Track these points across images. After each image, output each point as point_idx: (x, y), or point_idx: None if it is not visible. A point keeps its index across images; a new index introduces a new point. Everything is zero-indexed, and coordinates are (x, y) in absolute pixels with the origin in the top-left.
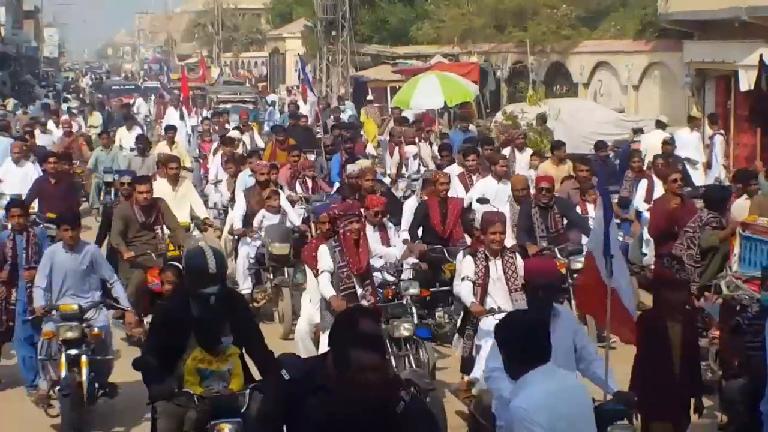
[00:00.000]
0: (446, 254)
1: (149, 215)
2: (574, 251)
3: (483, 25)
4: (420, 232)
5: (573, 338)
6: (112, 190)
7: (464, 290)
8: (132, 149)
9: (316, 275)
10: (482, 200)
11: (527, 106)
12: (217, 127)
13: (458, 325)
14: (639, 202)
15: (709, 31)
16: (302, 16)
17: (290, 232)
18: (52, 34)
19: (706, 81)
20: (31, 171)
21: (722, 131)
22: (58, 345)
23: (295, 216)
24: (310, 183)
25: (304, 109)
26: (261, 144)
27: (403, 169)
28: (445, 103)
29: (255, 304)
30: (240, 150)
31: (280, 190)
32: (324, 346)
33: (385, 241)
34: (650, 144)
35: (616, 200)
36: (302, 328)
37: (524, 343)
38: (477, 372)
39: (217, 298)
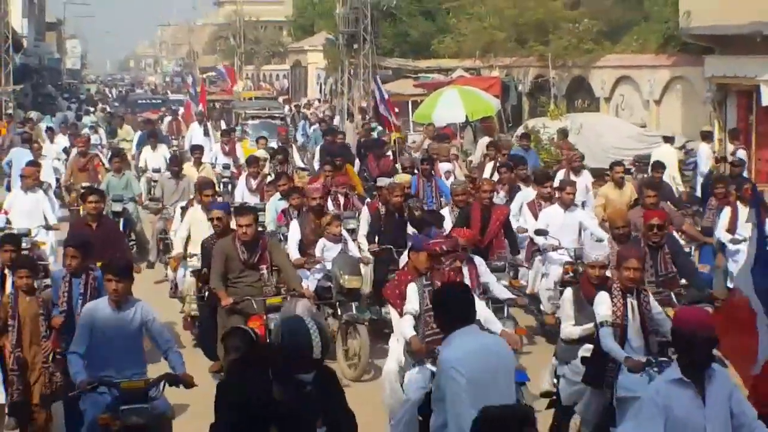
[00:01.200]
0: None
1: (253, 253)
2: (697, 299)
3: (504, 39)
4: None
5: (729, 402)
6: (121, 220)
7: (610, 341)
8: (156, 170)
9: (400, 314)
10: (541, 232)
11: (549, 121)
12: (227, 147)
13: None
14: (721, 232)
15: (730, 45)
16: (324, 29)
17: (358, 263)
18: (74, 45)
19: (727, 96)
20: (42, 200)
21: (743, 146)
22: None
23: (353, 244)
24: (342, 199)
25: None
26: (299, 163)
27: None
28: (466, 117)
29: None
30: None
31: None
32: (409, 388)
33: (475, 279)
34: (659, 159)
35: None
36: (391, 369)
37: (451, 309)
38: None
39: (313, 383)
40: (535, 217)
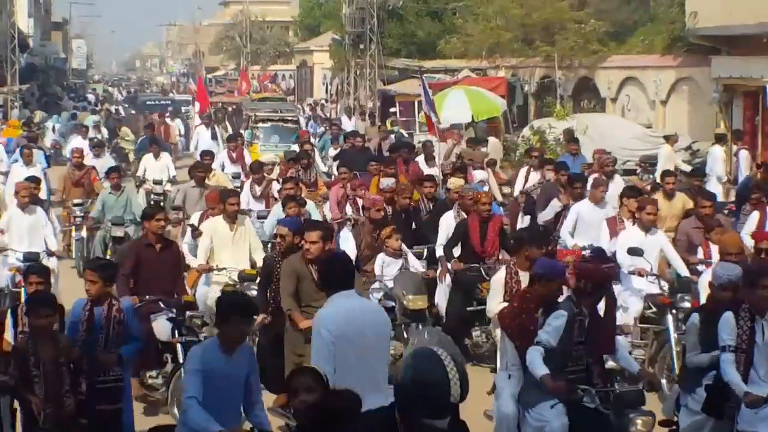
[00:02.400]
0: (483, 273)
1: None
2: None
3: (511, 40)
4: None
5: None
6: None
7: (731, 370)
8: (157, 182)
9: (518, 348)
10: (634, 251)
11: (555, 121)
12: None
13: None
14: (745, 237)
15: (737, 46)
16: (330, 29)
17: (422, 280)
18: (80, 45)
19: (734, 96)
20: (42, 219)
21: (746, 147)
22: None
23: (415, 259)
24: (360, 203)
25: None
26: (323, 168)
27: None
28: (472, 117)
29: None
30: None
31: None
32: None
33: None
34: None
35: None
36: (509, 413)
37: (336, 273)
38: None
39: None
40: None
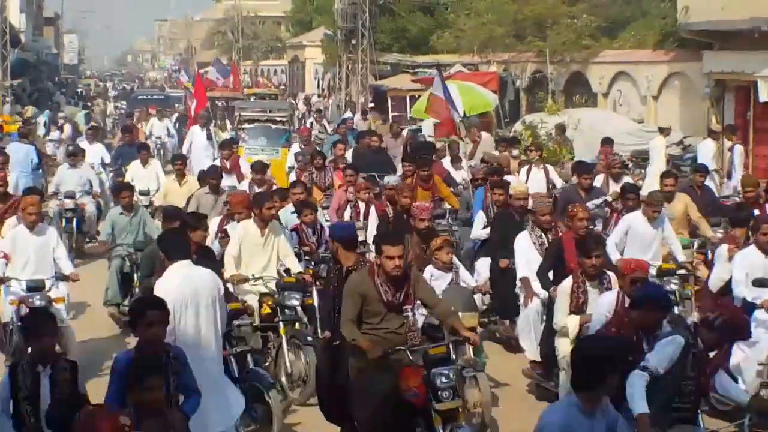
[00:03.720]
0: None
1: (399, 291)
2: None
3: (503, 35)
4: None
5: None
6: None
7: None
8: (143, 193)
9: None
10: (761, 282)
11: (546, 116)
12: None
13: None
14: None
15: (728, 41)
16: (322, 25)
17: (473, 296)
18: (72, 40)
19: (725, 92)
20: (53, 239)
21: (740, 142)
22: None
23: (467, 273)
24: (362, 208)
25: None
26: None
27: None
28: (464, 112)
29: None
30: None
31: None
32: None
33: None
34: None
35: None
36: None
37: (170, 245)
38: None
39: None
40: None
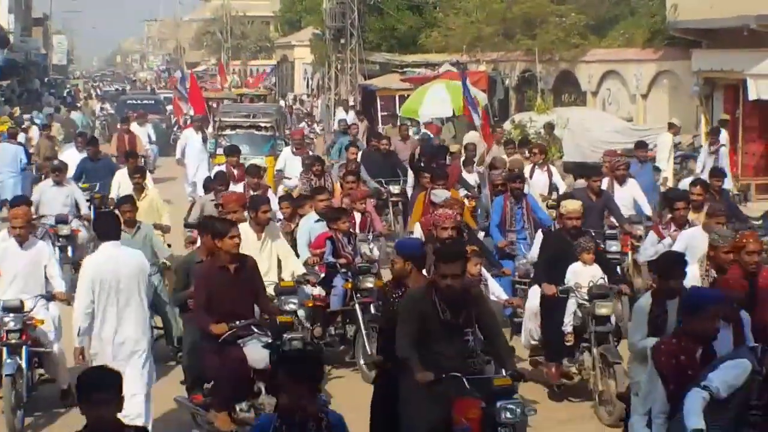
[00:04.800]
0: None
1: (458, 311)
2: None
3: (491, 34)
4: None
5: None
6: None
7: None
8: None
9: (669, 393)
10: None
11: (535, 115)
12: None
13: None
14: None
15: (717, 39)
16: (311, 24)
17: (502, 311)
18: (61, 41)
19: (714, 90)
20: (45, 255)
21: (724, 143)
22: None
23: (497, 286)
24: (358, 218)
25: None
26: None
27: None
28: (453, 111)
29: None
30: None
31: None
32: None
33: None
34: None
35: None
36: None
37: (103, 226)
38: None
39: None
40: None
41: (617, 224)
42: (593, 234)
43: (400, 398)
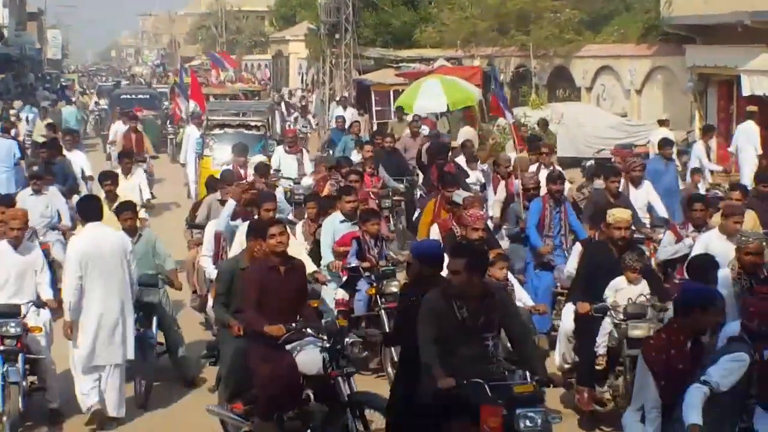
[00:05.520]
0: None
1: (478, 313)
2: None
3: (486, 29)
4: None
5: None
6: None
7: None
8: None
9: (660, 389)
10: None
11: (530, 110)
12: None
13: None
14: None
15: (711, 35)
16: (306, 19)
17: (530, 318)
18: (55, 35)
19: (708, 85)
20: (39, 261)
21: (710, 142)
22: None
23: (524, 292)
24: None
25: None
26: (308, 171)
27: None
28: (447, 107)
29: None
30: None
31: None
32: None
33: None
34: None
35: None
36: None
37: (86, 209)
38: None
39: None
40: None
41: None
42: (642, 249)
43: (418, 403)
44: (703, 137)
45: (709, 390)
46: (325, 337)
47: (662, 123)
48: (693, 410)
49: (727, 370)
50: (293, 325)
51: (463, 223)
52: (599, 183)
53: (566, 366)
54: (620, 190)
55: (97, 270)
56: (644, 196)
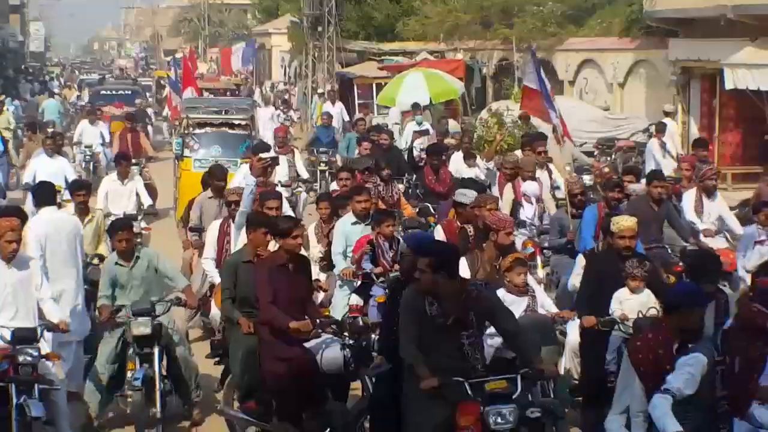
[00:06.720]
0: None
1: (449, 311)
2: None
3: (469, 22)
4: None
5: None
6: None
7: None
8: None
9: (648, 391)
10: None
11: (513, 104)
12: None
13: None
14: None
15: (694, 29)
16: (288, 12)
17: (553, 327)
18: (38, 28)
19: (691, 79)
20: (37, 276)
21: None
22: None
23: (546, 297)
24: None
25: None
26: (304, 174)
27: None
28: (430, 100)
29: None
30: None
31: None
32: None
33: None
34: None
35: None
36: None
37: (41, 195)
38: None
39: None
40: None
41: (681, 238)
42: (648, 256)
43: (403, 398)
44: (656, 135)
45: (672, 398)
46: (347, 335)
47: (667, 114)
48: (667, 419)
49: (685, 374)
50: (318, 321)
51: (493, 228)
52: (638, 187)
53: (573, 382)
54: (690, 200)
55: (57, 251)
56: (717, 209)
